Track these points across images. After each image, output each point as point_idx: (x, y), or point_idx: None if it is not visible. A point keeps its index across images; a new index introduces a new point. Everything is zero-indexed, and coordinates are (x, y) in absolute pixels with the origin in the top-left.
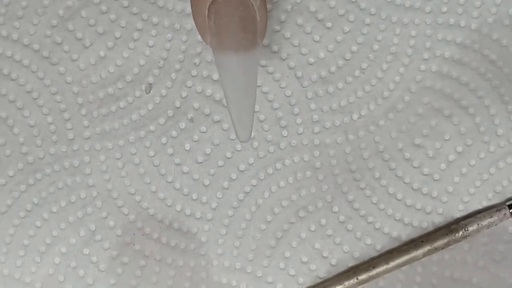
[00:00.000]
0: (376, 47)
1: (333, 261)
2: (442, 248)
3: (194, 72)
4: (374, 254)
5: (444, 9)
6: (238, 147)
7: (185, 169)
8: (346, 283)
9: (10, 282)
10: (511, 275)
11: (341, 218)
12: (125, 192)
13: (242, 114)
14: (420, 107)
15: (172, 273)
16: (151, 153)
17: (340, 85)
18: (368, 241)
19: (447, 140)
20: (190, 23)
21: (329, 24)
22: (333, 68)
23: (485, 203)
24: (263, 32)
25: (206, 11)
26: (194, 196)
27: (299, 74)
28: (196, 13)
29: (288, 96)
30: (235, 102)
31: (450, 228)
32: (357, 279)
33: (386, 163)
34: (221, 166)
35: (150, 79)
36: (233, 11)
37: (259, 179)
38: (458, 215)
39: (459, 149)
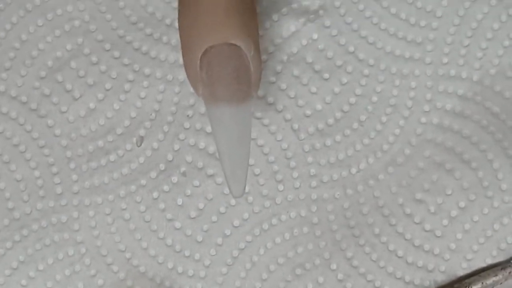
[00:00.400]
0: (375, 99)
1: None
2: None
3: (187, 125)
4: None
5: (445, 60)
6: (232, 202)
7: (177, 224)
8: None
9: None
10: None
11: (340, 276)
12: (114, 249)
13: (235, 168)
14: (421, 160)
15: None
16: (142, 208)
17: (338, 138)
18: None
19: (449, 195)
20: (183, 74)
21: (326, 75)
22: (330, 121)
23: (489, 261)
24: (257, 83)
25: (198, 61)
26: (187, 253)
27: (296, 126)
28: (187, 63)
29: (284, 149)
30: (228, 156)
31: (453, 286)
32: None
33: (386, 218)
34: (214, 222)
35: (142, 132)
36: (226, 61)
37: (254, 235)
38: (461, 273)
39: (462, 204)
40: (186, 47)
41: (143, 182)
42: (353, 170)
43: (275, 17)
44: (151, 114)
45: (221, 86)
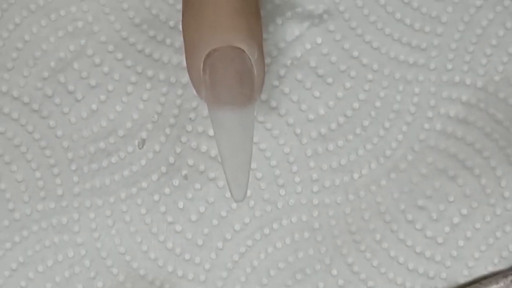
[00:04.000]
0: (378, 104)
1: None
2: None
3: (189, 128)
4: None
5: (449, 66)
6: (234, 205)
7: (178, 228)
8: None
9: None
10: None
11: (340, 282)
12: (114, 252)
13: (237, 172)
14: (423, 167)
15: None
16: (143, 211)
17: (341, 143)
18: None
19: (451, 202)
20: (186, 77)
21: (329, 80)
22: (333, 125)
23: (490, 269)
24: (260, 87)
25: (201, 64)
26: (187, 256)
27: (298, 131)
28: (190, 66)
29: (287, 154)
30: (230, 159)
31: None
32: None
33: (387, 224)
34: (215, 226)
35: (144, 134)
36: (229, 65)
37: (255, 240)
38: (462, 280)
39: (464, 211)
40: (189, 50)
41: (144, 184)
42: (355, 176)
43: (279, 20)
44: (153, 117)
45: (224, 89)
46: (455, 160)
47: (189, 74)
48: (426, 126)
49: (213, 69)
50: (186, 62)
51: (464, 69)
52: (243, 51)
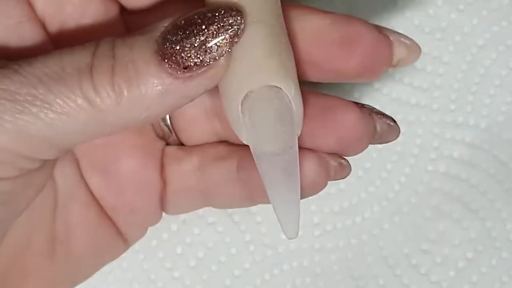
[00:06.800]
0: (380, 146)
1: None
2: None
3: None
4: None
5: (452, 107)
6: (233, 250)
7: (176, 274)
8: None
9: None
10: None
11: None
12: None
13: (286, 209)
14: (427, 209)
15: None
16: (141, 256)
17: (342, 186)
18: None
19: (456, 245)
20: None
21: None
22: None
23: None
24: (301, 122)
25: (239, 107)
26: None
27: None
28: (228, 111)
29: None
30: (278, 197)
31: None
32: None
33: (391, 269)
34: (214, 271)
35: None
36: (268, 105)
37: (255, 285)
38: None
39: (469, 255)
40: (225, 95)
41: None
42: (358, 219)
43: None
44: None
45: (265, 129)
46: (460, 203)
47: (227, 118)
48: (430, 168)
49: (252, 111)
50: (224, 108)
51: (467, 110)
52: (280, 89)
